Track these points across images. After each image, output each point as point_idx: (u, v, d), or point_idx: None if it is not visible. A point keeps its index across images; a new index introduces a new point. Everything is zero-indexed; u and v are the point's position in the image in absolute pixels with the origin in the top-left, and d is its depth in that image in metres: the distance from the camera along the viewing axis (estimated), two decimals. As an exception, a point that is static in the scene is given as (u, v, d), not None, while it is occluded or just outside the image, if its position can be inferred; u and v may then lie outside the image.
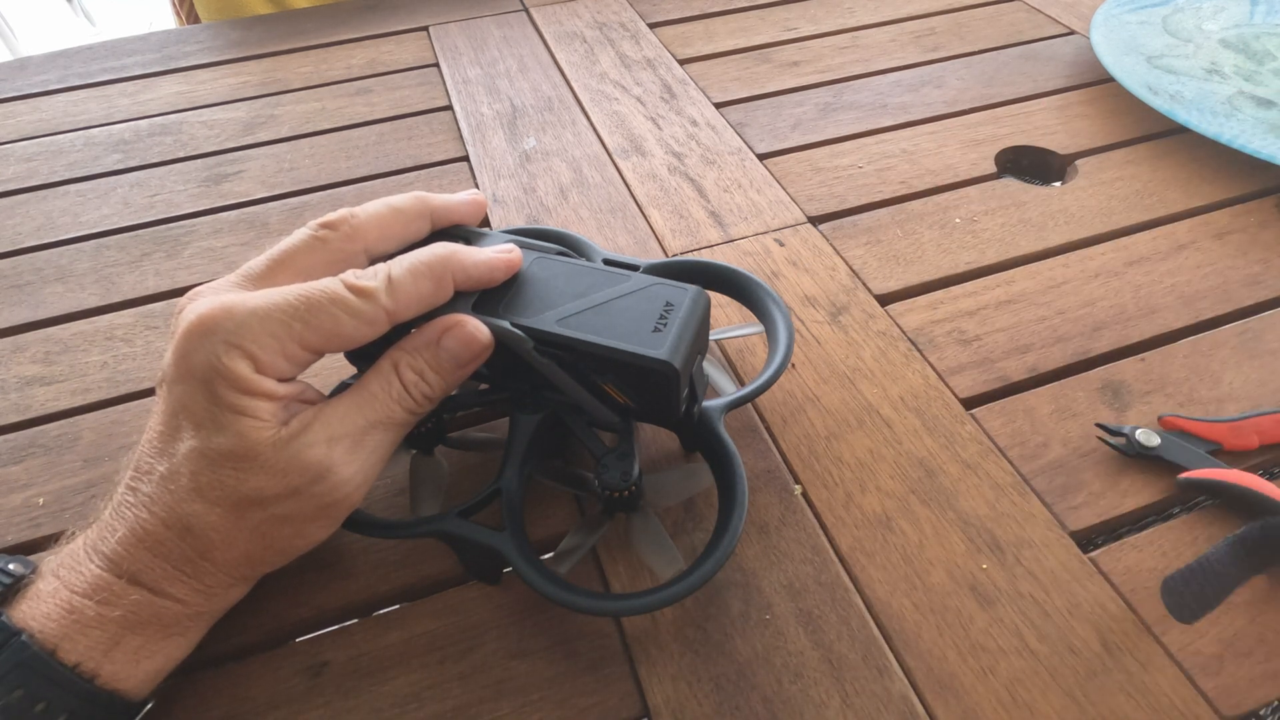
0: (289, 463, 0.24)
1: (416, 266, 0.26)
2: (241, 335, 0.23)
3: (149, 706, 0.26)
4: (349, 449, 0.25)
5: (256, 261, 0.26)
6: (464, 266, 0.27)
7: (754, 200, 0.45)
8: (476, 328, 0.26)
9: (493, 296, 0.28)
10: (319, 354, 0.25)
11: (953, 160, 0.48)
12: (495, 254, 0.28)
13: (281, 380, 0.24)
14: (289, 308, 0.24)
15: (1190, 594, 0.26)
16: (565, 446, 0.32)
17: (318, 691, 0.26)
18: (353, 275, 0.25)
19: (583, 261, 0.30)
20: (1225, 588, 0.27)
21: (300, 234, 0.27)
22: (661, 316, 0.27)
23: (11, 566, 0.24)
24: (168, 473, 0.24)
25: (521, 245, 0.30)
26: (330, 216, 0.27)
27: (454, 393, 0.29)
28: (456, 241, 0.30)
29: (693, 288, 0.28)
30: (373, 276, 0.25)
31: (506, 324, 0.27)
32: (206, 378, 0.23)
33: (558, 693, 0.26)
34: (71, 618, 0.23)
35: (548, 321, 0.27)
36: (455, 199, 0.30)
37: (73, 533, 0.25)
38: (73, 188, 0.49)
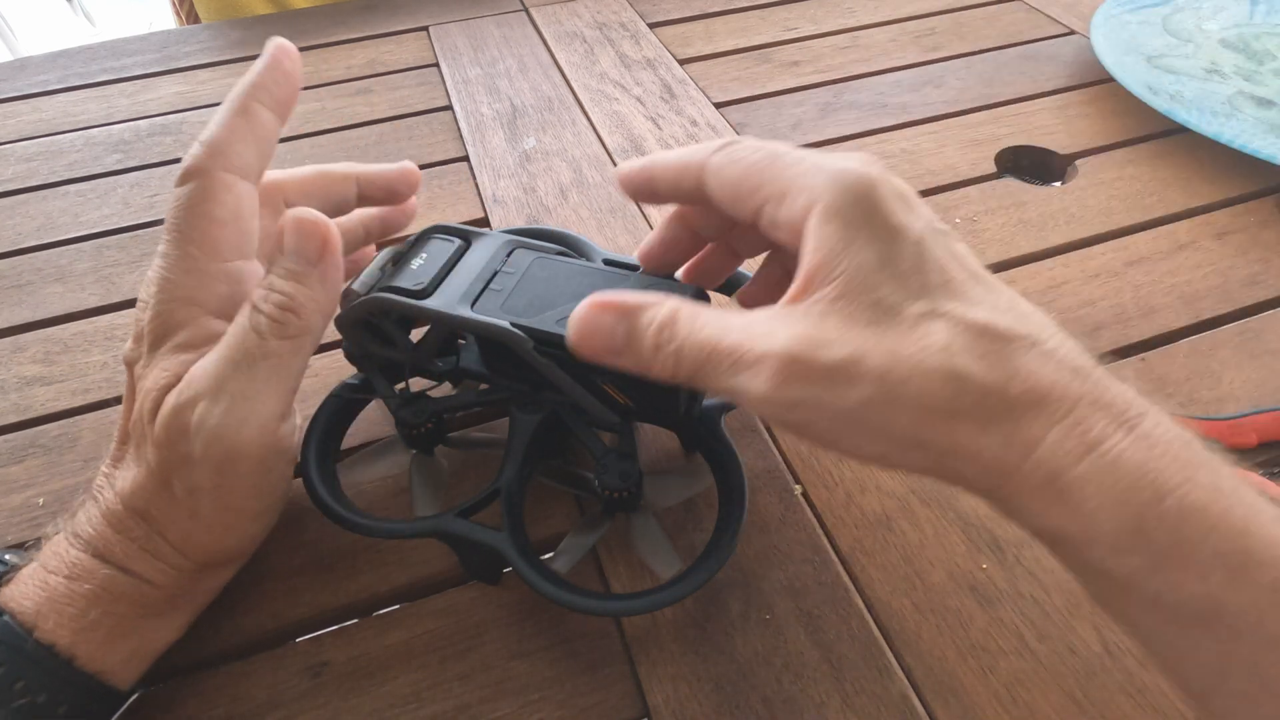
0: (163, 427, 0.24)
1: (220, 111, 0.27)
2: (166, 289, 0.25)
3: (135, 697, 0.26)
4: (209, 400, 0.23)
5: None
6: (257, 82, 0.27)
7: (754, 200, 0.45)
8: (302, 210, 0.25)
9: (493, 297, 0.28)
10: (230, 256, 0.25)
11: (953, 160, 0.48)
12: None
13: (232, 308, 0.25)
14: (170, 243, 0.25)
15: None
16: (565, 446, 0.32)
17: (318, 691, 0.26)
18: (177, 171, 0.26)
19: (583, 262, 0.30)
20: None
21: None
22: None
23: (8, 557, 0.25)
24: (128, 451, 0.25)
25: (521, 245, 0.30)
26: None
27: (437, 365, 0.29)
28: (451, 239, 0.30)
29: (692, 287, 0.28)
30: (188, 155, 0.26)
31: (506, 324, 0.27)
32: (157, 341, 0.25)
33: (558, 693, 0.26)
34: (45, 594, 0.23)
35: (548, 321, 0.27)
36: (383, 166, 0.31)
37: (58, 526, 0.26)
38: (73, 188, 0.49)
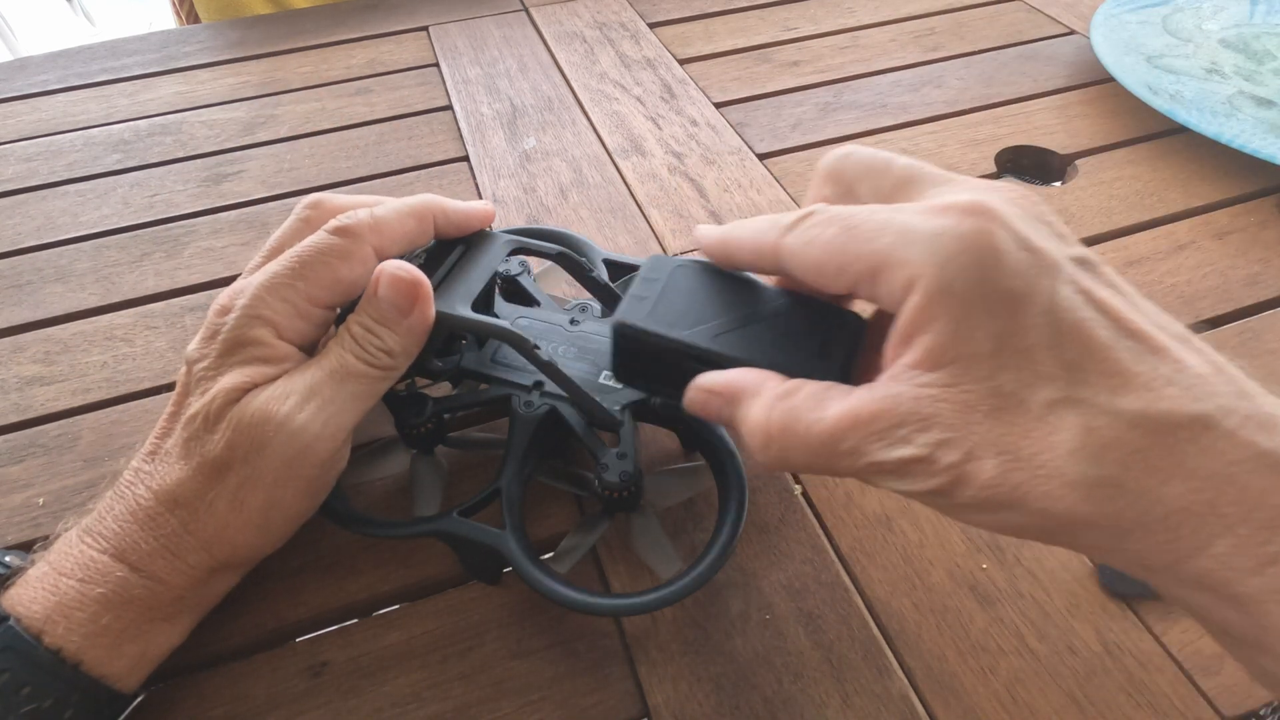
0: (243, 417, 0.24)
1: (400, 205, 0.28)
2: (258, 306, 0.26)
3: (139, 699, 0.26)
4: (301, 399, 0.25)
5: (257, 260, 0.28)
6: (444, 208, 0.29)
7: (754, 200, 0.45)
8: (399, 266, 0.26)
9: (637, 304, 0.26)
10: (330, 306, 0.27)
11: (953, 160, 0.48)
12: (474, 205, 0.30)
13: (305, 344, 0.27)
14: (288, 271, 0.26)
15: (1127, 576, 0.27)
16: (565, 446, 0.32)
17: (318, 691, 0.26)
18: (335, 220, 0.27)
19: (725, 271, 0.27)
20: None
21: (289, 220, 0.29)
22: (824, 341, 0.24)
23: (8, 559, 0.25)
24: (168, 445, 0.26)
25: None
26: (316, 199, 0.29)
27: (437, 365, 0.30)
28: (454, 240, 0.30)
29: (850, 314, 0.25)
30: (354, 217, 0.27)
31: (507, 324, 0.27)
32: (230, 349, 0.25)
33: (558, 693, 0.26)
34: (55, 599, 0.23)
35: (703, 336, 0.25)
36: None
37: (69, 524, 0.26)
38: (73, 188, 0.49)
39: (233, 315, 0.26)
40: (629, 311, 0.25)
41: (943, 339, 0.19)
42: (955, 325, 0.19)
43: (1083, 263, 0.20)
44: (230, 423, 0.24)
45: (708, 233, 0.25)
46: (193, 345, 0.26)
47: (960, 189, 0.21)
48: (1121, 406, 0.17)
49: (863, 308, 0.25)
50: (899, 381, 0.20)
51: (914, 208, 0.21)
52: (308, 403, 0.25)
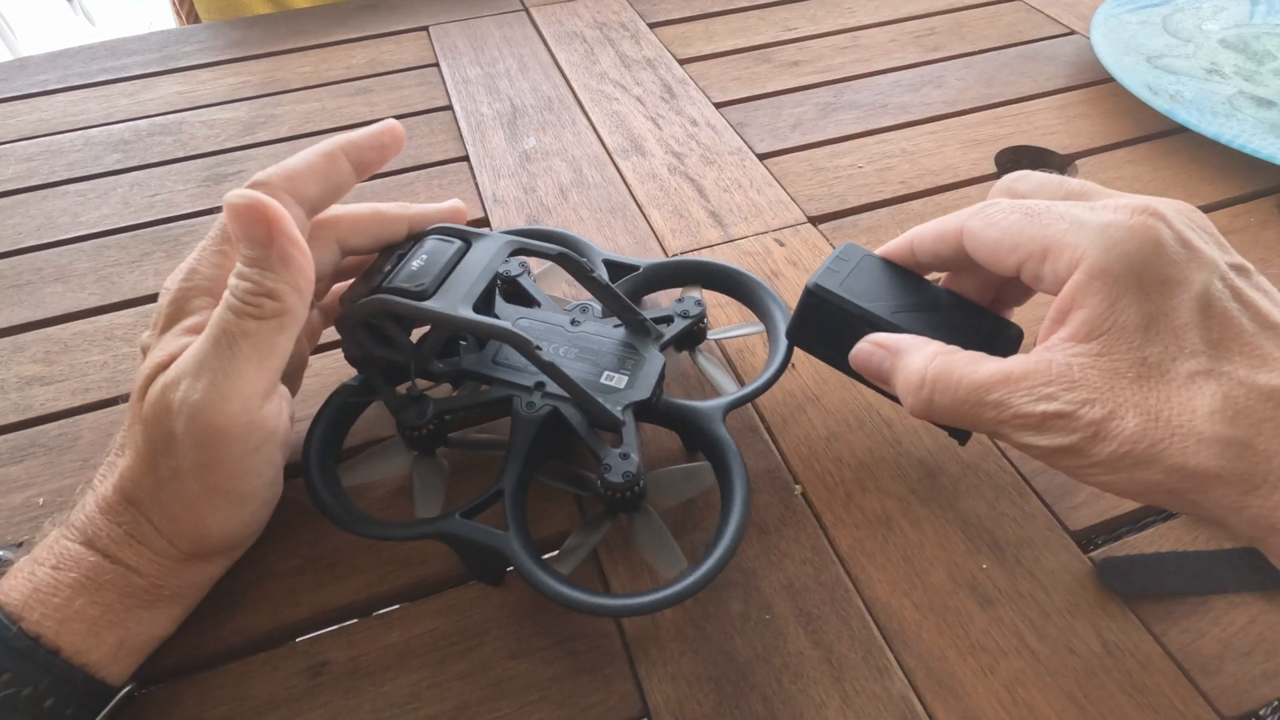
0: (146, 410, 0.24)
1: (306, 151, 0.28)
2: (190, 276, 0.26)
3: (126, 690, 0.25)
4: (192, 378, 0.24)
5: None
6: (350, 139, 0.29)
7: (754, 200, 0.45)
8: (237, 193, 0.24)
9: (830, 276, 0.29)
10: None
11: (953, 160, 0.48)
12: (380, 127, 0.30)
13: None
14: (215, 236, 0.27)
15: (1134, 574, 0.28)
16: (567, 447, 0.32)
17: (318, 691, 0.26)
18: (250, 181, 0.26)
19: (908, 270, 0.30)
20: (1200, 588, 0.28)
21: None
22: (988, 337, 0.27)
23: (1, 554, 0.26)
24: (122, 436, 0.26)
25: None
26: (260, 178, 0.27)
27: (438, 367, 0.30)
28: (451, 240, 0.30)
29: (1003, 320, 0.28)
30: (262, 173, 0.26)
31: (508, 325, 0.27)
32: (168, 323, 0.26)
33: (558, 693, 0.26)
34: (31, 585, 0.23)
35: (883, 310, 0.28)
36: (434, 207, 0.31)
37: (55, 520, 0.26)
38: (73, 188, 0.49)
39: (169, 292, 0.26)
40: (823, 278, 0.29)
41: (1098, 313, 0.21)
42: (1111, 302, 0.21)
43: (1238, 268, 0.22)
44: (139, 416, 0.24)
45: (889, 245, 0.29)
46: (145, 333, 0.27)
47: (1132, 197, 0.23)
48: (1259, 381, 0.20)
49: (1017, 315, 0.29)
50: (1052, 350, 0.22)
51: (1088, 205, 0.23)
52: (198, 381, 0.24)
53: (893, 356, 0.26)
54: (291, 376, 0.30)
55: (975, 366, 0.23)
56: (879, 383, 0.27)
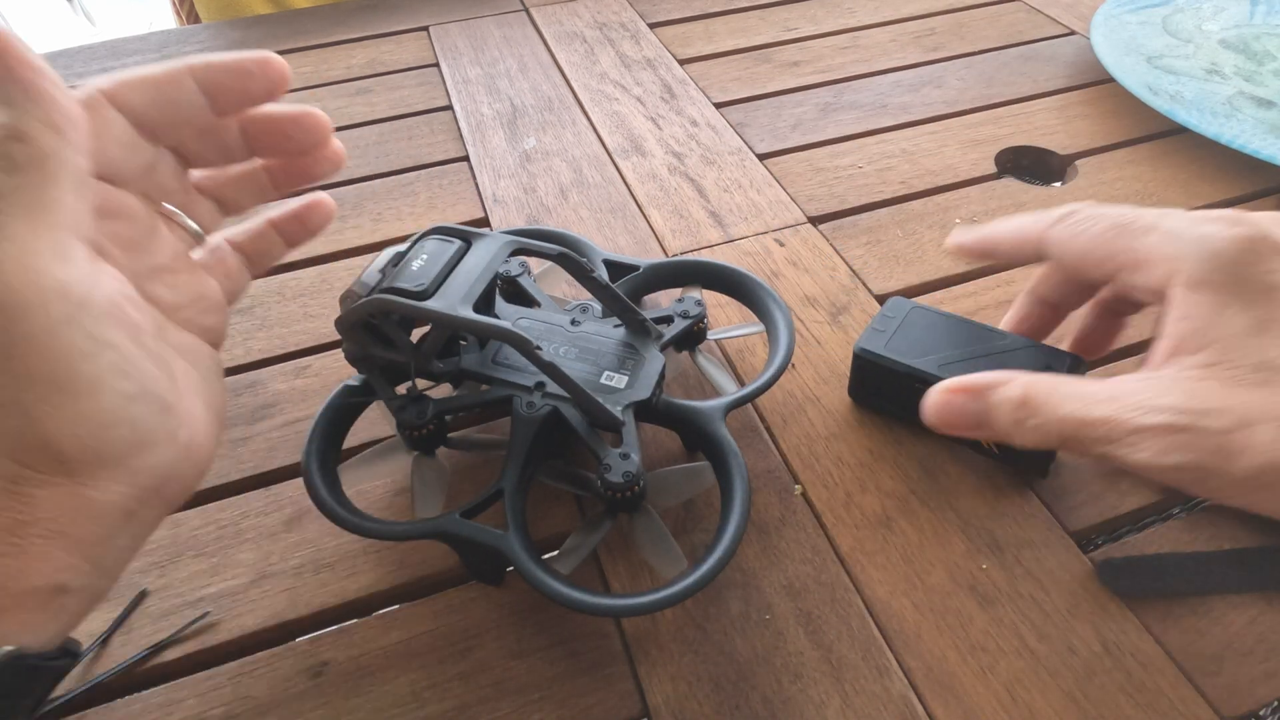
0: None
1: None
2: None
3: (61, 664, 0.20)
4: None
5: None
6: (205, 59, 0.25)
7: (754, 200, 0.45)
8: None
9: (876, 337, 0.31)
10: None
11: (953, 160, 0.48)
12: (245, 53, 0.26)
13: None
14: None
15: (1134, 575, 0.28)
16: (567, 447, 0.32)
17: (318, 691, 0.26)
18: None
19: (957, 315, 0.32)
20: (1200, 588, 0.28)
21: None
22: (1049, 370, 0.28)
23: None
24: None
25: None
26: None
27: (438, 367, 0.29)
28: (451, 240, 0.30)
29: (1069, 355, 0.29)
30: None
31: (508, 325, 0.27)
32: None
33: (558, 693, 0.26)
34: None
35: (929, 364, 0.30)
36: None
37: None
38: (73, 188, 0.48)
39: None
40: (868, 340, 0.31)
41: (1203, 324, 0.21)
42: (1212, 312, 0.21)
43: None
44: None
45: (964, 234, 0.28)
46: None
47: (1224, 210, 0.23)
48: None
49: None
50: (1159, 368, 0.21)
51: (1180, 213, 0.23)
52: None
53: (977, 398, 0.24)
54: (205, 305, 0.26)
55: (1078, 386, 0.22)
56: (968, 432, 0.25)
